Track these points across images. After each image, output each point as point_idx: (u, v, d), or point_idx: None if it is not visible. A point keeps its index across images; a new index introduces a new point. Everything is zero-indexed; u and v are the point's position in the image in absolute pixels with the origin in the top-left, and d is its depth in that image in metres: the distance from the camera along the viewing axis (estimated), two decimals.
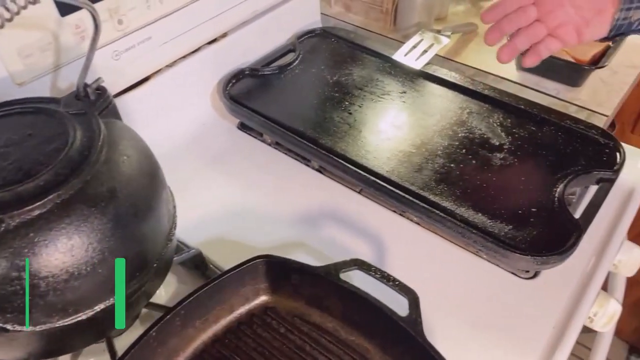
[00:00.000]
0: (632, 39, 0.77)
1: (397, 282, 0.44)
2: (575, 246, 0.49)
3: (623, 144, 0.61)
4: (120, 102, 0.60)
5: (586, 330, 0.54)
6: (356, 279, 0.45)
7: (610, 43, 0.76)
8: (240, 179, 0.64)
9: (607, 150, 0.59)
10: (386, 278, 0.44)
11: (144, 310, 0.48)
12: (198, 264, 0.53)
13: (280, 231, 0.57)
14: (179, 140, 0.68)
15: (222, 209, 0.60)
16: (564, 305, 0.50)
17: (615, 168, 0.57)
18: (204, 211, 0.59)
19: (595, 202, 0.54)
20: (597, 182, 0.56)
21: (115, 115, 0.46)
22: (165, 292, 0.53)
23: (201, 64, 0.69)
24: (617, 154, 0.58)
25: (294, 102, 0.69)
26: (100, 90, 0.45)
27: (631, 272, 0.62)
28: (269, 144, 0.68)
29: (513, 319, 0.49)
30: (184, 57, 0.67)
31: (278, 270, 0.46)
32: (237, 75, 0.71)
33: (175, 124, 0.68)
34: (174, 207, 0.48)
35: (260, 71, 0.73)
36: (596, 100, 0.71)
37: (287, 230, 0.57)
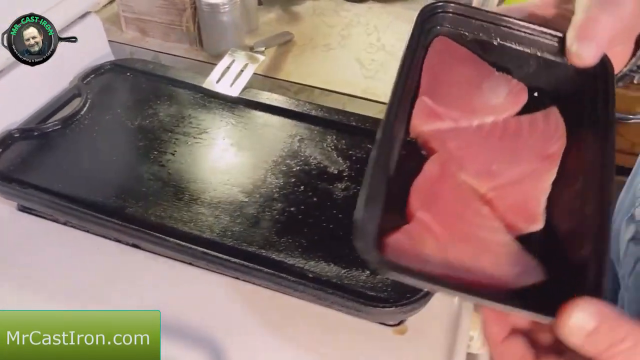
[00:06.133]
0: None
1: None
2: None
3: None
4: None
5: None
6: None
7: None
8: (33, 277, 0.48)
9: None
10: None
11: None
12: None
13: None
14: None
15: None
16: (442, 343, 0.45)
17: None
18: None
19: None
20: None
21: None
22: None
23: None
24: None
25: (87, 164, 0.55)
26: None
27: None
28: (64, 224, 0.53)
29: None
30: None
31: None
32: (5, 142, 0.55)
33: None
34: None
35: (35, 130, 0.57)
36: None
37: None
